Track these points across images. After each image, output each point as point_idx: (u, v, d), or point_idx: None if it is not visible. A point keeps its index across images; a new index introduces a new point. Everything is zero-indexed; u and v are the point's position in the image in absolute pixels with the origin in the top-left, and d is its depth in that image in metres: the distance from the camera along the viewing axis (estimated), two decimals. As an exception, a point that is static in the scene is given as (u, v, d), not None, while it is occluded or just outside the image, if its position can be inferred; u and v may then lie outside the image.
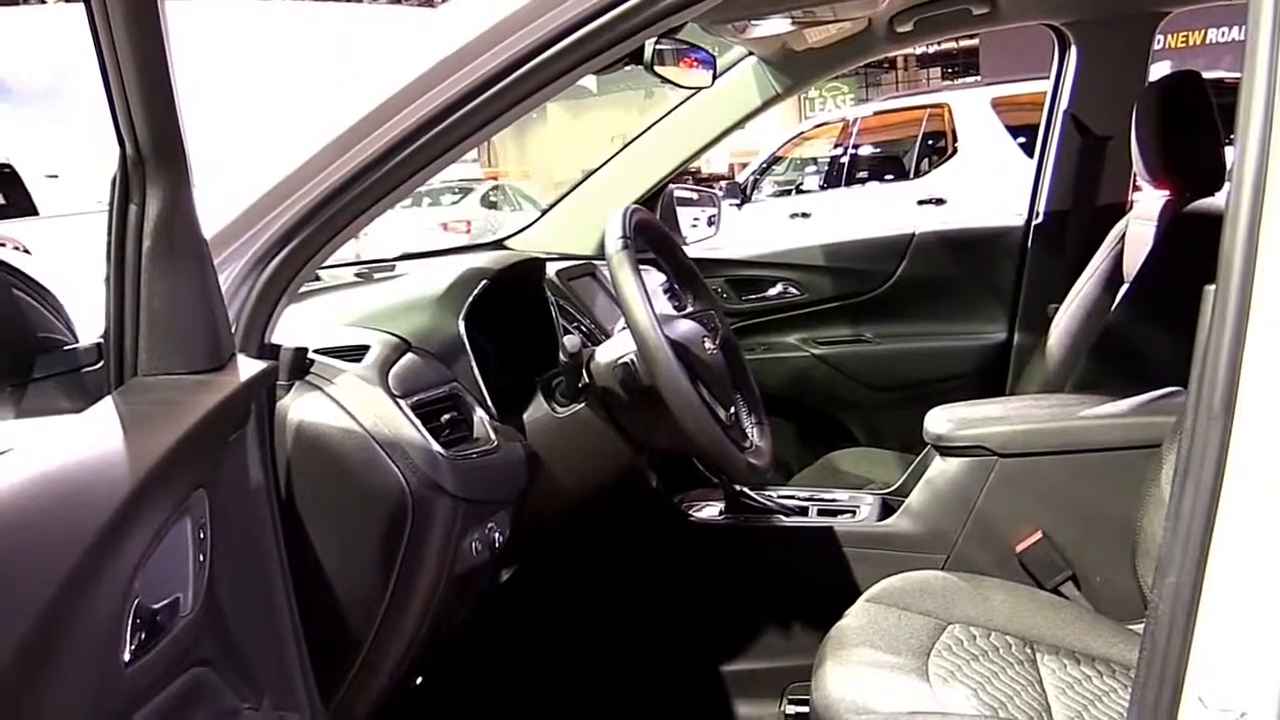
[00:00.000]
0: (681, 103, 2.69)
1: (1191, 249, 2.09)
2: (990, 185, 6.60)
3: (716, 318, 1.93)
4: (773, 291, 2.99)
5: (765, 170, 9.29)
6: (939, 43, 26.00)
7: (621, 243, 1.64)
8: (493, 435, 1.59)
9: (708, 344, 1.75)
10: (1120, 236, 2.48)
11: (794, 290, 2.98)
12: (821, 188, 8.76)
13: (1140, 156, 2.30)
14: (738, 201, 8.87)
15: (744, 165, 10.81)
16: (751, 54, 2.62)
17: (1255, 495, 1.06)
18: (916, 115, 8.18)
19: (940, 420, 2.05)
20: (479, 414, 1.61)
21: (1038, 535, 1.94)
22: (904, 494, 2.14)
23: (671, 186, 2.90)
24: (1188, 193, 2.23)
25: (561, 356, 1.68)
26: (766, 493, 2.28)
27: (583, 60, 1.24)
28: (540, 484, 1.70)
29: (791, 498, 2.27)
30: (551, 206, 2.77)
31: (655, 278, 2.22)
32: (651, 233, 1.87)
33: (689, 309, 1.94)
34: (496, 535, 1.56)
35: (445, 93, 1.24)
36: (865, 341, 2.97)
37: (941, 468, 2.03)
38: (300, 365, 1.37)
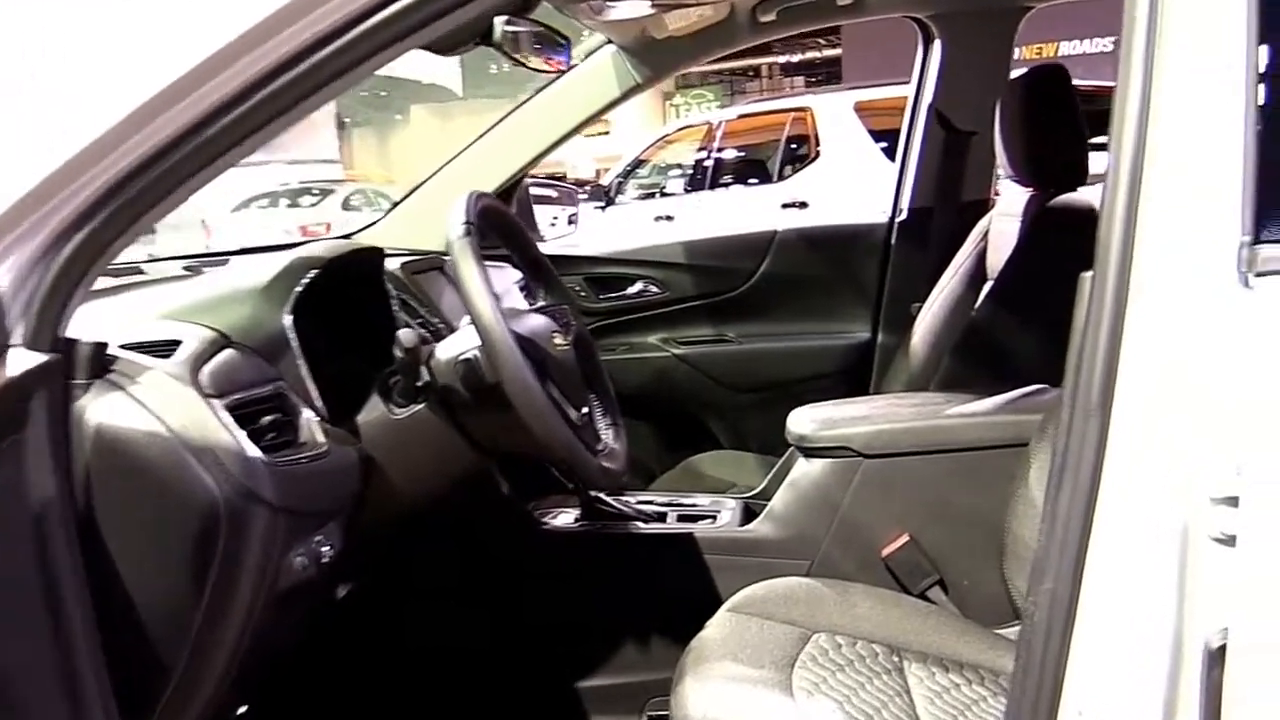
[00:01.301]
0: (537, 92, 2.58)
1: (1055, 245, 2.08)
2: (853, 189, 6.62)
3: (570, 313, 1.81)
4: (632, 290, 2.89)
5: (629, 173, 9.23)
6: (803, 51, 26.55)
7: (464, 228, 1.51)
8: (321, 439, 1.44)
9: (558, 340, 1.63)
10: (984, 233, 2.46)
11: (654, 289, 2.89)
12: (686, 191, 8.73)
13: (1005, 152, 2.27)
14: (602, 204, 8.79)
15: (609, 170, 10.74)
16: (610, 42, 2.52)
17: (1134, 495, 1.00)
18: (780, 119, 8.20)
19: (803, 420, 1.98)
20: (306, 416, 1.46)
21: (904, 538, 1.88)
22: (767, 497, 2.06)
23: (527, 181, 2.79)
24: (1051, 188, 2.20)
25: (397, 353, 1.54)
26: (624, 498, 2.17)
27: (395, 39, 1.12)
28: (376, 491, 1.56)
29: (650, 503, 2.17)
30: (400, 201, 2.62)
31: (508, 275, 2.09)
32: (499, 221, 1.75)
33: (540, 304, 1.82)
34: (326, 548, 1.42)
35: (247, 70, 1.10)
36: (727, 341, 2.89)
37: (805, 470, 1.96)
38: (99, 362, 1.20)
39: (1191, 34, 1.00)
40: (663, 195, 9.04)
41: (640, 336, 2.89)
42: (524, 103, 2.59)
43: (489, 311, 1.45)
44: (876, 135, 7.30)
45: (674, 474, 2.69)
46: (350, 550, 1.50)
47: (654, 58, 2.52)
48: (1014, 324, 2.14)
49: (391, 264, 2.01)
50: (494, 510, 2.03)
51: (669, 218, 8.25)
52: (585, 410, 1.67)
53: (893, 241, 2.80)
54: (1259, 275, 0.98)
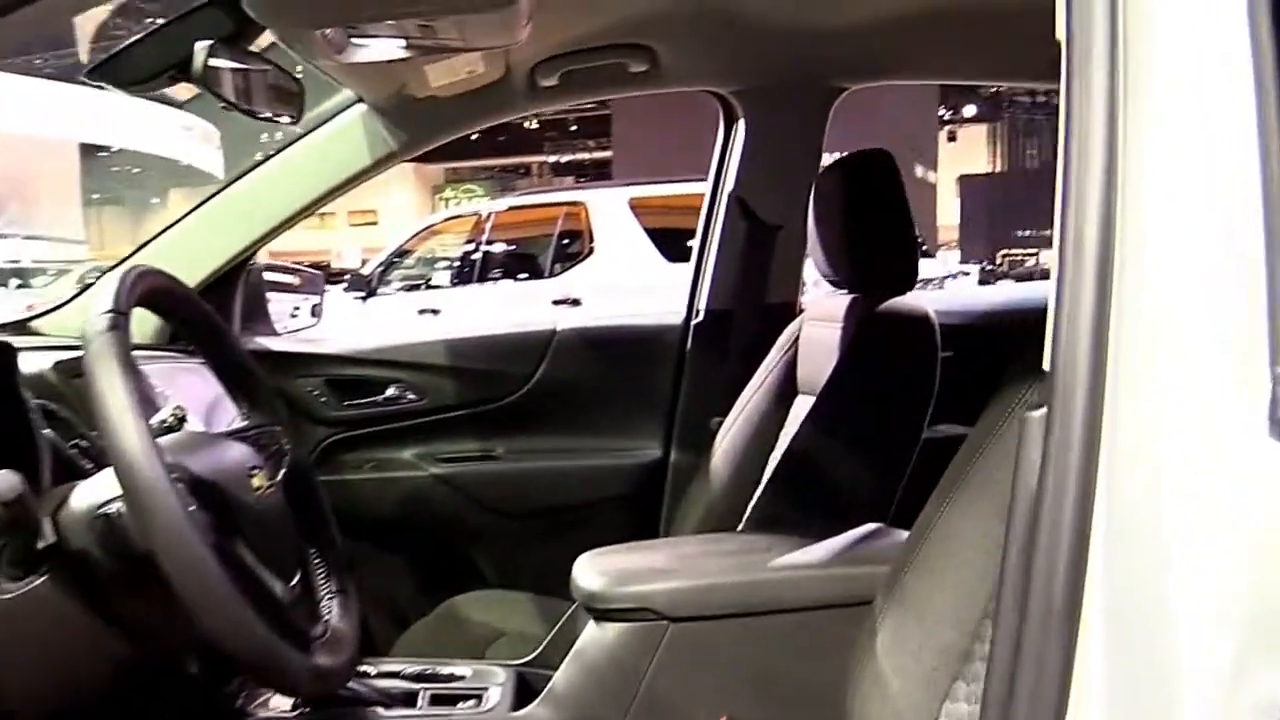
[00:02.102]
0: (271, 155, 2.12)
1: (887, 358, 1.76)
2: (627, 287, 6.40)
3: (280, 438, 1.34)
4: (385, 395, 2.42)
5: (392, 263, 8.74)
6: (573, 151, 26.88)
7: (109, 320, 1.04)
8: None
9: (257, 480, 1.16)
10: (793, 341, 2.14)
11: (411, 395, 2.43)
12: (453, 283, 8.30)
13: (820, 249, 1.96)
14: (363, 295, 8.27)
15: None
16: (361, 100, 2.09)
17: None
18: (552, 213, 7.91)
19: (592, 573, 1.56)
20: None
21: (722, 723, 1.48)
22: (548, 665, 1.63)
23: (261, 264, 2.32)
24: (876, 292, 1.90)
25: None
26: (363, 668, 1.69)
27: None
28: None
29: (397, 675, 1.69)
30: (90, 285, 2.10)
31: (201, 383, 1.60)
32: (174, 309, 1.27)
33: (238, 426, 1.34)
34: None
35: None
36: (495, 458, 2.44)
37: (595, 636, 1.54)
38: None
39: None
40: (428, 287, 8.58)
41: (392, 452, 2.42)
42: (251, 168, 2.12)
43: (133, 442, 0.98)
44: (652, 234, 7.09)
45: (430, 621, 2.22)
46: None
47: (413, 121, 2.12)
48: (840, 449, 1.81)
49: (43, 362, 1.49)
50: (178, 699, 1.50)
51: (435, 311, 7.78)
52: (296, 581, 1.20)
53: (688, 347, 2.44)
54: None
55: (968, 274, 17.73)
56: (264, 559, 1.13)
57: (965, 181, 25.10)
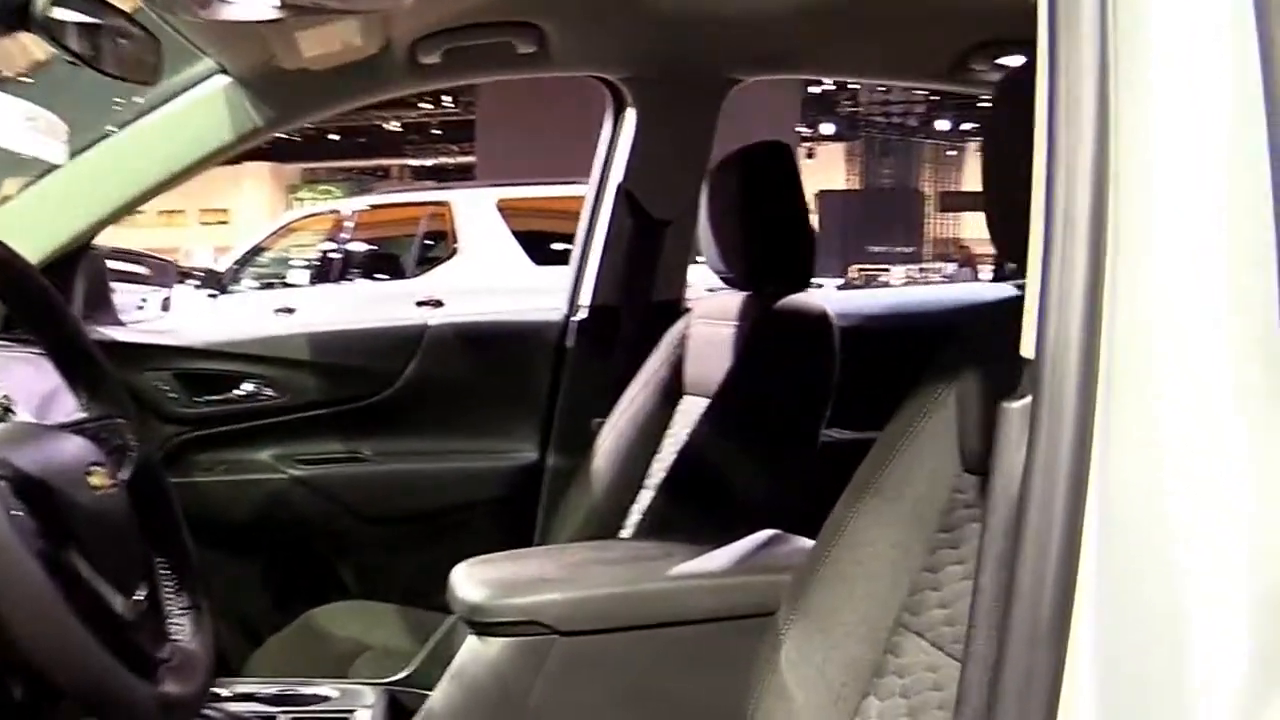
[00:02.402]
0: (120, 128, 1.93)
1: (785, 357, 1.68)
2: (493, 289, 6.26)
3: (125, 432, 1.18)
4: (240, 391, 2.24)
5: (247, 260, 8.40)
6: (436, 155, 26.46)
7: None
8: None
9: (95, 478, 1.01)
10: (680, 339, 2.06)
11: (269, 391, 2.25)
12: (311, 282, 8.01)
13: (714, 245, 1.88)
14: (214, 292, 7.92)
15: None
16: (224, 71, 1.92)
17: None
18: (416, 212, 7.71)
19: (473, 583, 1.44)
20: None
21: (615, 747, 1.38)
22: (422, 684, 1.51)
23: (105, 249, 2.13)
24: (770, 289, 1.83)
25: None
26: (215, 689, 1.54)
27: None
28: None
29: (252, 697, 1.54)
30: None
31: (36, 373, 1.43)
32: (14, 282, 1.11)
33: (78, 418, 1.18)
34: None
35: None
36: (361, 460, 2.29)
37: (477, 651, 1.42)
38: None
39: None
40: (285, 285, 8.26)
41: (248, 453, 2.24)
42: (97, 140, 1.94)
43: None
44: (520, 236, 6.96)
45: (288, 635, 2.06)
46: None
47: (281, 95, 1.95)
48: (735, 453, 1.73)
49: None
50: None
51: (290, 309, 7.49)
52: (141, 595, 1.05)
53: (569, 344, 2.33)
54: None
55: (821, 286, 18.11)
56: (101, 569, 0.98)
57: (823, 197, 25.65)
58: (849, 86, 21.59)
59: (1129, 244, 0.66)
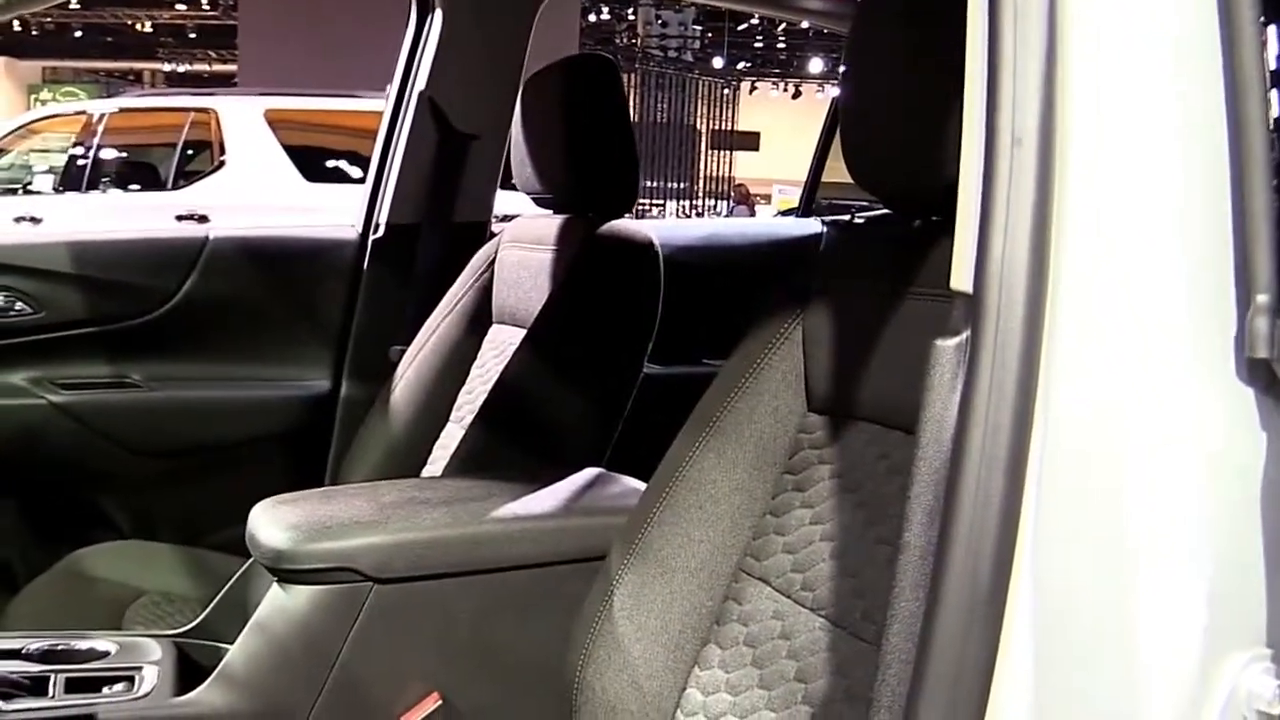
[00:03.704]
0: None
1: (608, 285, 1.61)
2: (261, 205, 5.92)
3: None
4: (-13, 307, 2.00)
5: (-20, 164, 7.64)
6: (191, 61, 24.90)
7: None
8: None
9: None
10: (487, 264, 1.95)
11: (23, 306, 2.01)
12: (56, 190, 7.35)
13: (530, 164, 1.78)
14: (-56, 198, 7.18)
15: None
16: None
17: None
18: (177, 119, 7.09)
19: (275, 526, 1.31)
20: None
21: (434, 700, 1.29)
22: (216, 637, 1.37)
23: None
24: (591, 214, 1.75)
25: None
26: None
27: None
28: None
29: (17, 654, 1.36)
30: None
31: None
32: None
33: None
34: None
35: None
36: (132, 385, 2.09)
37: (281, 601, 1.29)
38: None
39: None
40: (26, 192, 7.56)
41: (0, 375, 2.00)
42: None
43: None
44: (290, 151, 6.58)
45: (49, 579, 1.85)
46: None
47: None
48: (554, 386, 1.64)
49: None
50: None
51: (35, 219, 6.87)
52: None
53: (365, 265, 2.18)
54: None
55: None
56: None
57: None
58: (628, 17, 21.52)
59: (1079, 168, 0.61)
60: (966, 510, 0.60)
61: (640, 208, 22.94)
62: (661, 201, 23.37)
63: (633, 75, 26.75)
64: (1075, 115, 0.61)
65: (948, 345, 0.65)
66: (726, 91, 26.05)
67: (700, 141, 26.47)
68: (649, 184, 25.31)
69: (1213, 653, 0.56)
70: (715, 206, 22.25)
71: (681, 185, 25.04)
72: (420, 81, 2.14)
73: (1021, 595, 0.59)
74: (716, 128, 26.09)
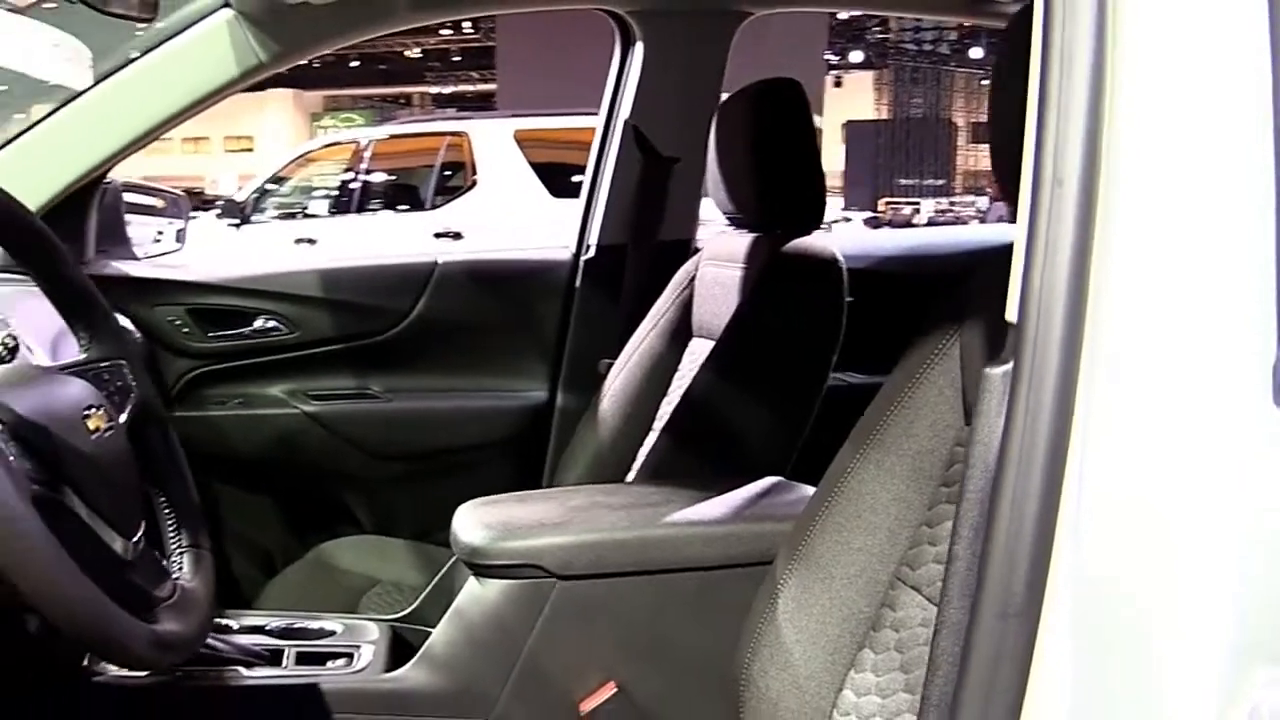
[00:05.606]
0: (120, 66, 1.92)
1: (792, 301, 1.67)
2: (511, 222, 6.23)
3: (125, 373, 1.19)
4: (253, 327, 2.25)
5: (267, 190, 8.36)
6: (456, 83, 26.28)
7: None
8: None
9: (94, 420, 1.02)
10: (689, 281, 2.05)
11: (282, 327, 2.26)
12: (330, 213, 7.98)
13: (722, 184, 1.86)
14: (236, 221, 7.90)
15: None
16: (227, 5, 1.91)
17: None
18: (434, 143, 7.61)
19: (473, 525, 1.45)
20: None
21: (610, 688, 1.40)
22: (425, 621, 1.53)
23: (118, 183, 2.13)
24: (780, 231, 1.81)
25: None
26: (226, 621, 1.57)
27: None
28: None
29: (261, 630, 1.57)
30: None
31: (49, 310, 1.44)
32: (8, 226, 1.11)
33: (76, 360, 1.19)
34: None
35: None
36: (372, 396, 2.30)
37: (476, 594, 1.43)
38: None
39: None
40: (305, 216, 8.24)
41: (261, 388, 2.26)
42: (105, 76, 1.93)
43: None
44: (537, 168, 6.89)
45: (300, 568, 2.09)
46: None
47: (283, 30, 1.93)
48: (740, 398, 1.72)
49: None
50: (18, 658, 1.36)
51: (311, 240, 7.49)
52: (139, 536, 1.07)
53: (578, 284, 2.32)
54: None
55: (849, 219, 17.89)
56: (99, 511, 1.00)
57: (851, 127, 25.24)
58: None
59: (1120, 207, 0.65)
60: (1001, 532, 0.65)
61: (895, 206, 22.50)
62: (916, 200, 22.82)
63: (886, 71, 26.30)
64: (1119, 158, 0.65)
65: (995, 373, 0.70)
66: (985, 82, 25.18)
67: (957, 136, 25.67)
68: (903, 182, 24.80)
69: (1238, 669, 0.59)
70: (974, 203, 21.53)
71: (939, 182, 24.36)
72: (625, 109, 2.26)
73: (1058, 605, 0.63)
74: (974, 120, 25.23)
